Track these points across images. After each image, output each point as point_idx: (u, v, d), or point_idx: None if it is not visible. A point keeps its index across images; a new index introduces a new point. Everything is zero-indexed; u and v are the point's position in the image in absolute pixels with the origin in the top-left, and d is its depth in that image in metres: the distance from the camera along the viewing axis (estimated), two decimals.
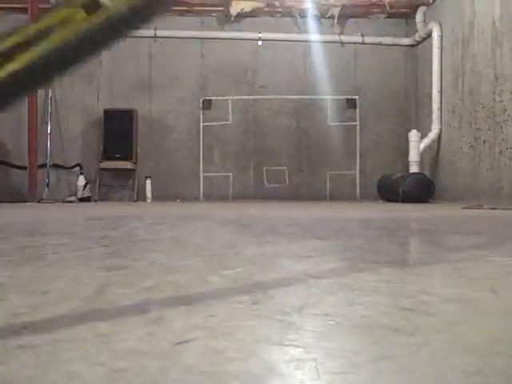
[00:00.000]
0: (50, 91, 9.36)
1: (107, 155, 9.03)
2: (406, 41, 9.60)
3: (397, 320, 0.75)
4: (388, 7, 9.21)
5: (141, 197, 9.26)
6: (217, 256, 1.56)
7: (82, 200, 8.78)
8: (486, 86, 6.84)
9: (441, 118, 8.30)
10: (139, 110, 9.38)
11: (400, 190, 7.58)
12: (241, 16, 9.48)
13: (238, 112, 9.57)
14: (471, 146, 7.27)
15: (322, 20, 9.59)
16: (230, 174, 9.50)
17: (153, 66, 9.62)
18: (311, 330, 0.71)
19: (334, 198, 9.40)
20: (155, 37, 9.50)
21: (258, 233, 2.50)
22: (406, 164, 8.49)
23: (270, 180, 9.54)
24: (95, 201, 9.05)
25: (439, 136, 8.32)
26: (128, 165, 9.11)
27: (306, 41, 9.58)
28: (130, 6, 0.69)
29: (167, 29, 9.49)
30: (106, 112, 9.15)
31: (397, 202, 7.63)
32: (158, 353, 0.60)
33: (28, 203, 7.82)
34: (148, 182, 9.17)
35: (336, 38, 9.60)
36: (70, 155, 9.45)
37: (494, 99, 6.63)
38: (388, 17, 9.62)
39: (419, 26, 9.08)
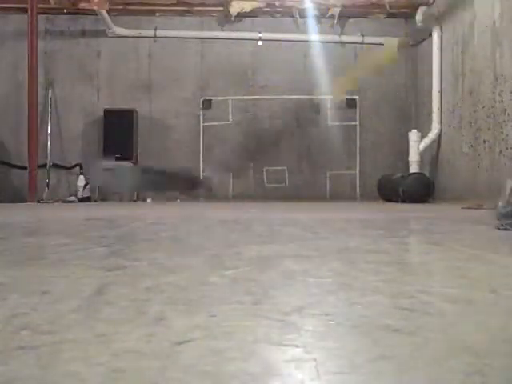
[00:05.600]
0: (50, 91, 9.36)
1: (107, 155, 9.02)
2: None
3: (397, 320, 0.75)
4: (388, 7, 9.21)
5: (141, 197, 9.26)
6: (217, 256, 1.56)
7: (82, 200, 8.78)
8: (486, 86, 6.84)
9: (441, 118, 8.30)
10: (139, 110, 9.38)
11: (400, 190, 7.58)
12: (241, 16, 9.48)
13: (237, 112, 9.57)
14: (471, 145, 7.27)
15: (322, 20, 9.59)
16: (230, 174, 9.50)
17: (153, 66, 9.62)
18: (311, 329, 0.71)
19: (334, 197, 9.40)
20: (155, 37, 9.51)
21: (259, 233, 2.50)
22: (406, 164, 8.49)
23: (270, 180, 9.54)
24: (95, 201, 9.05)
25: (439, 136, 8.32)
26: (128, 165, 9.11)
27: (306, 41, 9.57)
28: None
29: (167, 29, 9.50)
30: (106, 112, 9.15)
31: (397, 201, 7.63)
32: (158, 353, 0.60)
33: (28, 203, 7.82)
34: None
35: (336, 38, 9.60)
36: (70, 155, 9.45)
37: (494, 99, 6.63)
38: (388, 17, 9.62)
39: (419, 26, 9.08)
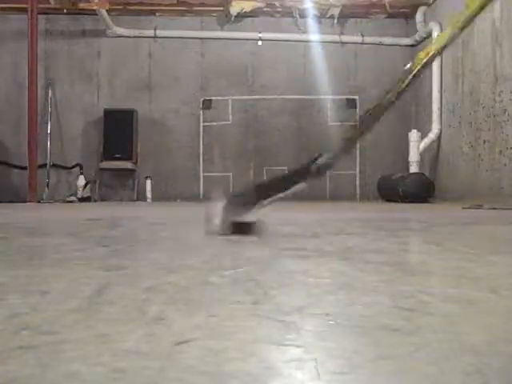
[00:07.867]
0: (49, 91, 9.36)
1: (107, 155, 9.03)
2: (406, 41, 9.60)
3: (397, 320, 0.75)
4: (388, 7, 9.22)
5: (141, 197, 9.26)
6: (217, 256, 1.56)
7: (82, 200, 8.78)
8: (485, 86, 6.84)
9: (441, 117, 8.30)
10: (139, 110, 9.38)
11: (400, 190, 7.58)
12: (241, 16, 9.48)
13: (237, 112, 9.57)
14: (471, 146, 7.27)
15: (322, 20, 9.59)
16: (230, 174, 9.50)
17: (153, 66, 9.62)
18: (311, 329, 0.71)
19: (334, 197, 9.41)
20: (155, 37, 9.51)
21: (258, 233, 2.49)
22: (406, 164, 8.49)
23: None
24: (95, 201, 9.06)
25: (439, 136, 8.32)
26: (128, 165, 9.11)
27: (306, 41, 9.58)
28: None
29: (167, 29, 9.50)
30: (106, 112, 9.16)
31: (397, 201, 7.63)
32: (158, 353, 0.60)
33: (28, 203, 7.82)
34: (148, 182, 9.17)
35: (336, 38, 9.60)
36: (70, 155, 9.46)
37: (494, 99, 6.63)
38: (388, 17, 9.62)
39: (419, 26, 9.09)
